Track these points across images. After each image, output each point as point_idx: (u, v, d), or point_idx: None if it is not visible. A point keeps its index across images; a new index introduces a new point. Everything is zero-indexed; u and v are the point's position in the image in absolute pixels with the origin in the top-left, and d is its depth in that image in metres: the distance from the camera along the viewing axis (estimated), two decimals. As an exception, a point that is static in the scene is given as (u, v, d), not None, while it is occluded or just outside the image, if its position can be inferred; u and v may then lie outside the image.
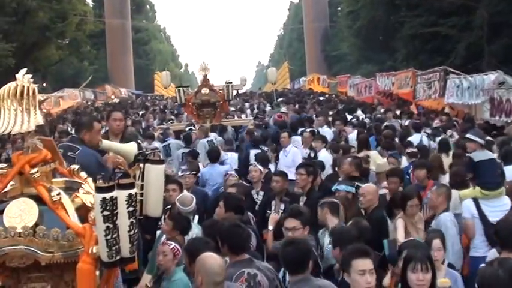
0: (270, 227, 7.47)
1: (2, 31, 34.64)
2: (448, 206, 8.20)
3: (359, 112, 22.94)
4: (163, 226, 7.14)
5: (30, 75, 4.09)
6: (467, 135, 10.71)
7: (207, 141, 14.95)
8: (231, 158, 13.65)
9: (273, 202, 9.27)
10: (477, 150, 9.80)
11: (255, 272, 5.49)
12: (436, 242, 6.16)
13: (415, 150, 12.27)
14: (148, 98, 51.65)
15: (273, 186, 9.43)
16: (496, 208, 8.26)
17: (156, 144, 15.32)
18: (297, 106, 27.27)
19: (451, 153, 11.74)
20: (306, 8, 69.63)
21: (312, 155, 13.34)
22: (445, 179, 10.00)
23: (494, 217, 7.95)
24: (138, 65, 67.36)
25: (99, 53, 62.58)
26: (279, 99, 32.48)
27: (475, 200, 8.40)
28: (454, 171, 9.72)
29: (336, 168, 10.96)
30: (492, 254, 6.57)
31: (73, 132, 13.99)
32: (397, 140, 14.08)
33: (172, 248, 6.20)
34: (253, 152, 13.30)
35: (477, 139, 9.97)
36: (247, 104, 31.05)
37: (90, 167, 6.69)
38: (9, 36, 34.98)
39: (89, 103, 41.83)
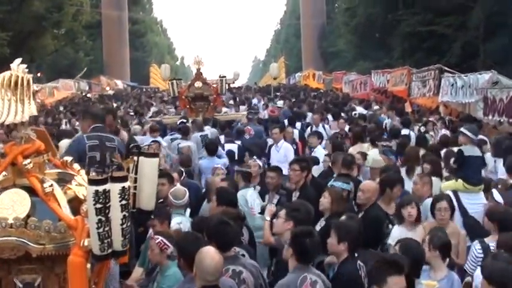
0: (267, 218, 7.41)
1: (-3, 20, 34.55)
2: (431, 194, 8.54)
3: (359, 108, 23.01)
4: (152, 228, 7.04)
5: (25, 65, 4.06)
6: (462, 129, 10.87)
7: (200, 136, 14.96)
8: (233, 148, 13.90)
9: (267, 196, 9.25)
10: (468, 145, 10.02)
11: (240, 269, 5.53)
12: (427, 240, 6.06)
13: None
14: (144, 90, 51.57)
15: (267, 182, 9.37)
16: (474, 201, 8.68)
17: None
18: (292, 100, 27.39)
19: None
20: (303, 4, 69.56)
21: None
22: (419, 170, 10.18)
23: (472, 210, 8.50)
24: (134, 57, 67.09)
25: (95, 44, 62.33)
26: (276, 94, 32.56)
27: (455, 193, 8.72)
28: (430, 160, 10.10)
29: (331, 165, 10.92)
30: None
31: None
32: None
33: (158, 242, 6.14)
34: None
35: (470, 134, 10.15)
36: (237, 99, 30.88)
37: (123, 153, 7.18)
38: (5, 25, 34.87)
39: (84, 94, 41.73)
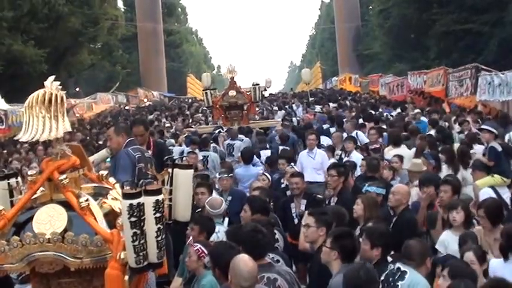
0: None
1: (35, 37, 35.11)
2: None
3: (398, 110, 22.89)
4: (189, 232, 7.08)
5: (58, 83, 4.13)
6: (483, 126, 11.10)
7: (228, 144, 15.61)
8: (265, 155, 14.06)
9: (292, 204, 9.20)
10: (491, 141, 10.22)
11: (275, 276, 5.50)
12: (468, 255, 5.77)
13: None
14: (181, 100, 51.93)
15: (292, 188, 9.33)
16: (506, 195, 8.77)
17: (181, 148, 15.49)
18: (330, 105, 27.34)
19: (455, 144, 12.38)
20: (337, 8, 69.38)
21: (343, 156, 13.29)
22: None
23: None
24: (170, 68, 67.52)
25: (131, 57, 62.93)
26: (311, 99, 32.55)
27: (493, 188, 8.75)
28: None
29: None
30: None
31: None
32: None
33: (197, 249, 6.19)
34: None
35: (492, 129, 10.39)
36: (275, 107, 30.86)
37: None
38: (42, 42, 35.43)
39: (122, 106, 42.24)
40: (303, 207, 8.89)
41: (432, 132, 14.72)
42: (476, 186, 9.19)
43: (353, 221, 7.40)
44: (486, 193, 8.54)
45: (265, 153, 14.28)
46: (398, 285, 5.48)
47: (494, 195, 8.39)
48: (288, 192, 10.16)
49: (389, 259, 5.95)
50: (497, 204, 7.14)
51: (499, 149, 9.68)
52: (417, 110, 21.04)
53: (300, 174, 9.67)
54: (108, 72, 55.23)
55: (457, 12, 34.62)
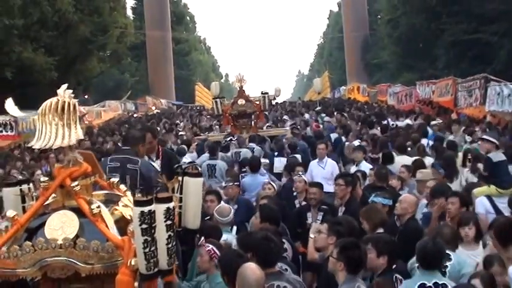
0: (312, 235, 7.33)
1: (45, 45, 35.24)
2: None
3: (407, 120, 22.87)
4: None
5: (71, 91, 4.16)
6: (484, 136, 11.39)
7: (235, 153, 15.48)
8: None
9: (309, 214, 9.21)
10: (492, 151, 10.36)
11: (285, 284, 5.54)
12: (475, 282, 5.48)
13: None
14: (189, 108, 51.98)
15: (310, 198, 9.34)
16: (505, 205, 8.64)
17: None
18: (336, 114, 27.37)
19: (459, 154, 12.18)
20: (345, 17, 69.53)
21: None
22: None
23: (506, 212, 8.44)
24: (178, 76, 67.69)
25: (140, 65, 63.18)
26: (317, 108, 32.60)
27: (489, 198, 8.87)
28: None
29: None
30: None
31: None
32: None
33: (209, 250, 6.22)
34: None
35: (493, 140, 10.68)
36: (285, 116, 30.83)
37: (152, 178, 7.15)
38: (52, 50, 35.56)
39: (130, 114, 42.36)
40: (320, 217, 8.92)
41: (424, 141, 14.83)
42: (473, 195, 9.23)
43: (362, 231, 7.41)
44: (481, 202, 8.76)
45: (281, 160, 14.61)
46: (447, 265, 5.87)
47: (488, 205, 8.69)
48: (296, 201, 10.21)
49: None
50: (508, 223, 6.55)
51: (495, 159, 9.69)
52: (434, 122, 20.89)
53: (319, 185, 9.67)
54: (117, 80, 55.44)
55: (466, 22, 34.59)
